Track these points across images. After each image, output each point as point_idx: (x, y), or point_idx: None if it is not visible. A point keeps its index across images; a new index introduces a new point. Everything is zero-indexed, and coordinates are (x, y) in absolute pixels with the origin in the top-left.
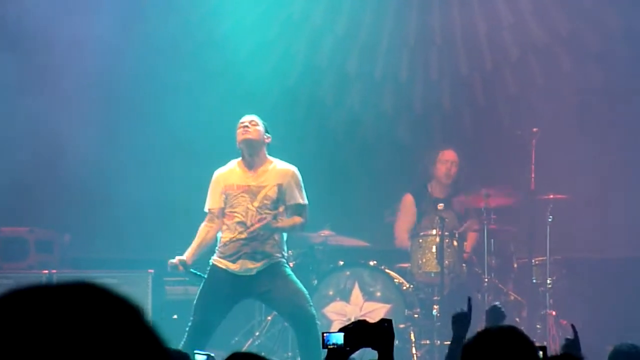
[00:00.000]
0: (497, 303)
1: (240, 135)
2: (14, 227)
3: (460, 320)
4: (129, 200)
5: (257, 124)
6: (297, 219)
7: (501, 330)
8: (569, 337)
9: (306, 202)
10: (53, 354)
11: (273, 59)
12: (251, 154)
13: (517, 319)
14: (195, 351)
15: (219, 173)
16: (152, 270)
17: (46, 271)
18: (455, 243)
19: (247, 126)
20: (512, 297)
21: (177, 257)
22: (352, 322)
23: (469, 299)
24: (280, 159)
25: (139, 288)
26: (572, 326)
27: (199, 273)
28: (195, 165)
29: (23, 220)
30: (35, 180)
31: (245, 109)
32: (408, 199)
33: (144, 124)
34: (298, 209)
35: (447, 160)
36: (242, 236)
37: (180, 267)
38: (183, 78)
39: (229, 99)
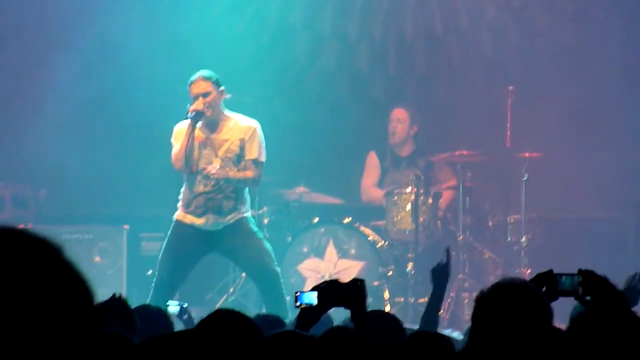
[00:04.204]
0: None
1: (193, 105)
2: None
3: (440, 273)
4: (107, 156)
5: (210, 91)
6: (249, 173)
7: (514, 284)
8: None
9: (263, 159)
10: None
11: (246, 17)
12: (209, 115)
13: (492, 278)
14: (169, 301)
15: (179, 128)
16: (127, 226)
17: (22, 226)
18: (430, 201)
19: (198, 99)
20: (487, 256)
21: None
22: (325, 282)
23: (447, 250)
24: (255, 117)
25: (114, 244)
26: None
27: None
28: (172, 124)
29: None
30: (13, 134)
31: (218, 68)
32: (372, 157)
33: (118, 88)
34: (253, 165)
35: (392, 118)
36: (207, 189)
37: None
38: (155, 40)
39: (202, 59)
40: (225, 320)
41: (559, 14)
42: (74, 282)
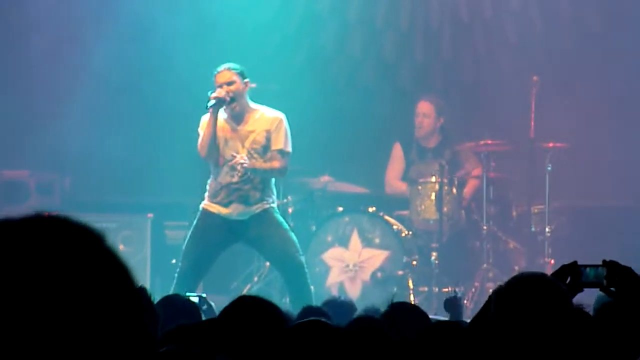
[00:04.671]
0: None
1: (215, 93)
2: (14, 170)
3: (453, 305)
4: (131, 145)
5: (234, 80)
6: (276, 164)
7: (533, 276)
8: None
9: (289, 150)
10: (11, 281)
11: (274, 5)
12: (233, 107)
13: (516, 267)
14: (187, 293)
15: (205, 118)
16: (151, 215)
17: (47, 214)
18: (454, 190)
19: (221, 87)
20: (511, 245)
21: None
22: None
23: (455, 292)
24: (281, 105)
25: (138, 232)
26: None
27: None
28: (198, 112)
29: (24, 164)
30: (39, 122)
31: (245, 55)
32: (397, 148)
33: (142, 71)
34: (279, 155)
35: (418, 112)
36: (234, 180)
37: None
38: (182, 26)
39: (230, 46)
40: (249, 307)
41: (584, 2)
42: (117, 270)
